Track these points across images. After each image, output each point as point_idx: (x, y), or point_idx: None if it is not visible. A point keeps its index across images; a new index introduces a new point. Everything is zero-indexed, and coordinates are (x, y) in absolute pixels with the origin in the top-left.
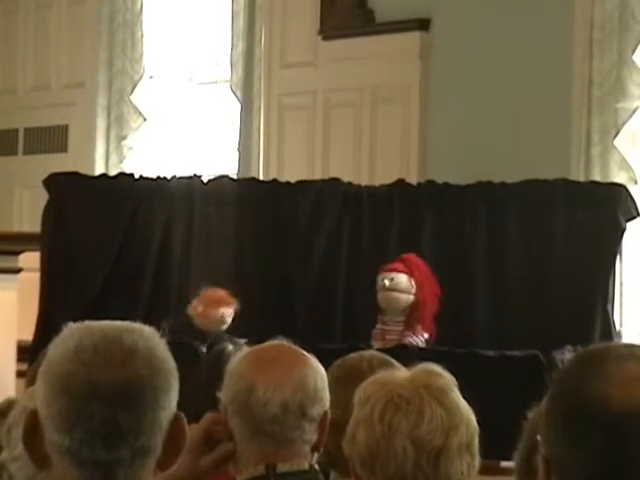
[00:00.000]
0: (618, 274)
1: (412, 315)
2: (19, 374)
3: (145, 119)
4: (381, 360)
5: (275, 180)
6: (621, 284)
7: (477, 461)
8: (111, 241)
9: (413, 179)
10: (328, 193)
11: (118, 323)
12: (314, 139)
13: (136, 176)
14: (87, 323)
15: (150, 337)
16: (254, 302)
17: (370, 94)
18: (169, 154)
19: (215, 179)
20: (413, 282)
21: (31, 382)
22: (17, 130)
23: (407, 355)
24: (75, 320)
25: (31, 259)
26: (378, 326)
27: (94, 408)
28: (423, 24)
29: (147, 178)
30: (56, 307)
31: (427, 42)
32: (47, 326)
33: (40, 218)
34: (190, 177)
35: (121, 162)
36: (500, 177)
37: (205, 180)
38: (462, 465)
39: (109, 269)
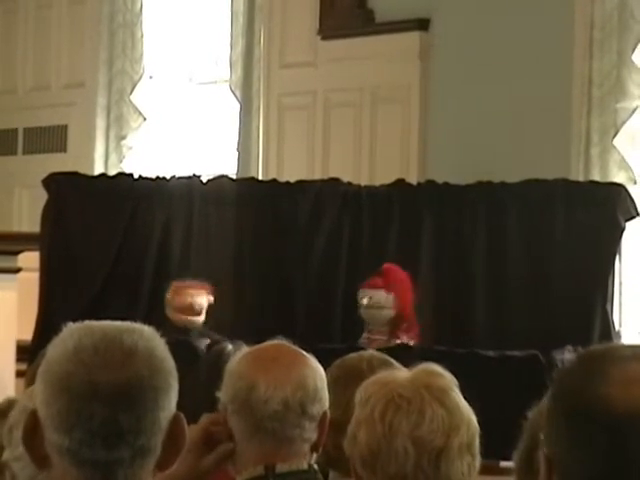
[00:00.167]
0: (617, 274)
1: (396, 326)
2: (18, 374)
3: (145, 119)
4: (381, 360)
5: (274, 180)
6: (620, 284)
7: (478, 461)
8: (110, 241)
9: (413, 179)
10: (328, 193)
11: (118, 323)
12: (314, 139)
13: (135, 176)
14: (87, 323)
15: (150, 337)
16: (253, 302)
17: (370, 94)
18: (168, 154)
19: (214, 179)
20: (392, 296)
21: (30, 382)
22: (17, 130)
23: (407, 355)
24: (75, 320)
25: (30, 259)
26: (364, 335)
27: (94, 408)
28: (423, 24)
29: (146, 178)
30: (55, 307)
31: (427, 42)
32: (46, 326)
33: (39, 218)
34: (189, 177)
35: (120, 162)
36: (500, 177)
37: (204, 180)
38: (463, 465)
39: (108, 269)
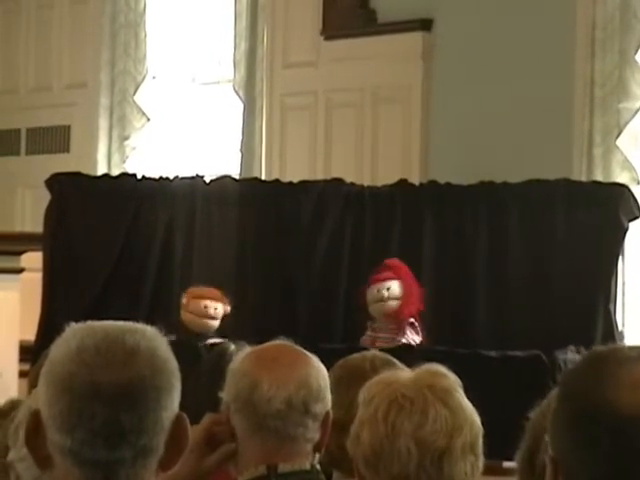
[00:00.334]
0: (620, 274)
1: (403, 320)
2: (21, 374)
3: (148, 119)
4: (383, 360)
5: (277, 180)
6: (623, 284)
7: (481, 462)
8: (113, 241)
9: (415, 179)
10: (330, 193)
11: (120, 323)
12: (316, 139)
13: (138, 176)
14: (89, 323)
15: (152, 337)
16: (256, 302)
17: (372, 94)
18: (172, 154)
19: (217, 179)
20: (403, 286)
21: (34, 382)
22: (19, 130)
23: (409, 355)
24: (77, 320)
25: (33, 259)
26: (368, 333)
27: (96, 408)
28: (425, 24)
29: (149, 178)
30: (58, 307)
31: (429, 42)
32: (49, 326)
33: (42, 218)
34: (192, 177)
35: (123, 162)
36: (502, 177)
37: (207, 180)
38: (466, 466)
39: (111, 269)
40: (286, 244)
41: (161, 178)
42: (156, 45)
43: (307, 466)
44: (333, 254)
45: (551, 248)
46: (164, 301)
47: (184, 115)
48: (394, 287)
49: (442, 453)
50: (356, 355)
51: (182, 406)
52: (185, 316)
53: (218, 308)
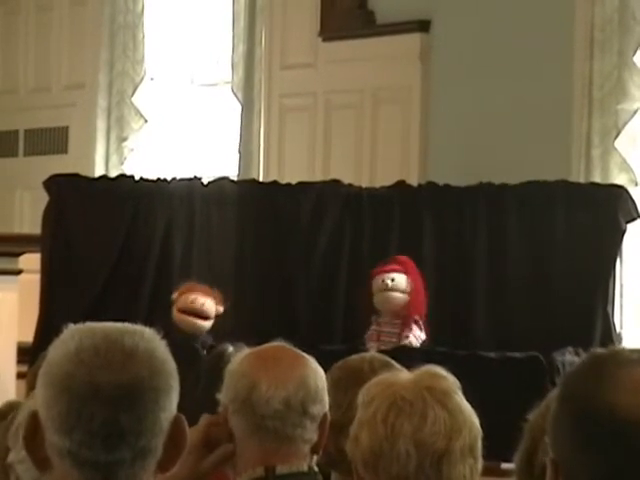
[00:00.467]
0: (618, 276)
1: (409, 316)
2: (19, 376)
3: (146, 121)
4: (382, 362)
5: (275, 181)
6: (621, 286)
7: (480, 464)
8: (112, 242)
9: (414, 180)
10: (329, 194)
11: (119, 324)
12: (315, 140)
13: (136, 178)
14: (88, 324)
15: (151, 339)
16: (255, 303)
17: (370, 95)
18: (170, 156)
19: (215, 181)
20: (410, 280)
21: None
22: (17, 131)
23: (408, 357)
24: (76, 322)
25: (31, 260)
26: (373, 327)
27: (94, 409)
28: (423, 26)
29: (147, 180)
30: (56, 309)
31: (427, 44)
32: (47, 328)
33: (40, 219)
34: (190, 179)
35: (122, 164)
36: (500, 178)
37: (205, 182)
38: (465, 468)
39: (110, 270)
40: (285, 245)
41: (159, 179)
42: (154, 46)
43: (305, 468)
44: (332, 255)
45: (550, 249)
46: (163, 302)
47: (182, 116)
48: (399, 279)
49: (441, 455)
50: (355, 356)
51: (180, 407)
52: (176, 316)
53: (206, 304)
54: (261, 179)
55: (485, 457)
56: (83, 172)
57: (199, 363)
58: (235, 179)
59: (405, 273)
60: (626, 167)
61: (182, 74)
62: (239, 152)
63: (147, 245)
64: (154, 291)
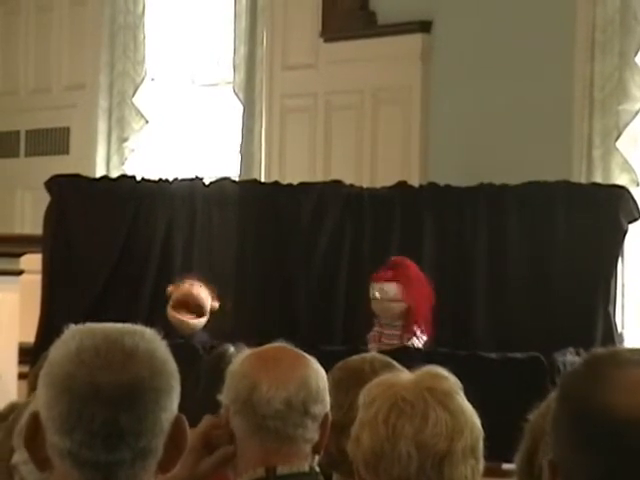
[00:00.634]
0: (619, 276)
1: (408, 320)
2: (21, 376)
3: (147, 121)
4: (383, 362)
5: (276, 182)
6: (622, 286)
7: (481, 465)
8: (113, 243)
9: (414, 181)
10: (329, 195)
11: (119, 325)
12: (316, 141)
13: (138, 178)
14: (88, 325)
15: (151, 339)
16: (255, 303)
17: (371, 96)
18: (171, 156)
19: (216, 181)
20: (401, 288)
21: (33, 384)
22: (19, 132)
23: (409, 357)
24: (76, 322)
25: (33, 261)
26: (375, 329)
27: (95, 409)
28: (424, 26)
29: (149, 180)
30: (57, 309)
31: (428, 44)
32: (49, 328)
33: (42, 220)
34: (192, 179)
35: (122, 164)
36: (501, 179)
37: (207, 182)
38: (466, 469)
39: (111, 271)
40: (285, 245)
41: (160, 180)
42: (156, 47)
43: (306, 468)
44: (333, 255)
45: (551, 250)
46: (163, 303)
47: (184, 117)
48: (388, 288)
49: (443, 456)
50: (355, 357)
51: (181, 408)
52: (170, 313)
53: (202, 292)
54: (262, 179)
55: (486, 458)
56: (84, 173)
57: (199, 363)
58: (236, 179)
59: (396, 281)
60: (627, 167)
61: (183, 75)
62: (240, 152)
63: (148, 245)
64: (155, 291)
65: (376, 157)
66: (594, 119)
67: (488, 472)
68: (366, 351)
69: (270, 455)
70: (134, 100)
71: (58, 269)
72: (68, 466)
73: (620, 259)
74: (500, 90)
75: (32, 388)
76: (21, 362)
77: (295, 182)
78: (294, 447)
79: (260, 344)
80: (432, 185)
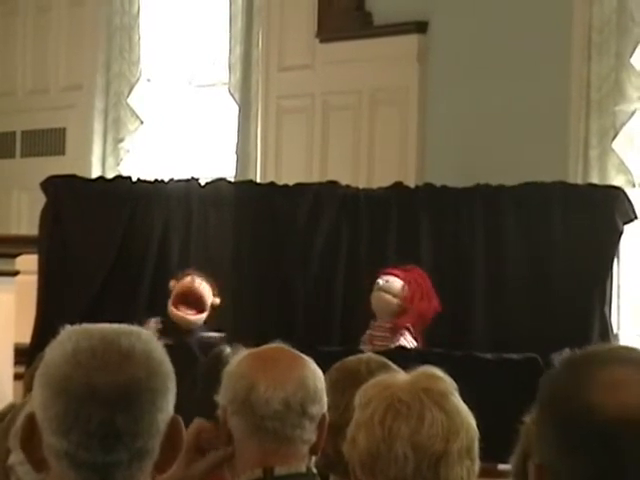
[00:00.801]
0: (616, 277)
1: (399, 321)
2: (17, 377)
3: (142, 122)
4: (379, 363)
5: (272, 183)
6: (618, 287)
7: (477, 465)
8: (109, 244)
9: (411, 182)
10: (326, 196)
11: (116, 326)
12: (312, 142)
13: (134, 179)
14: (85, 326)
15: (148, 340)
16: (252, 303)
17: (368, 97)
18: (166, 157)
19: (212, 182)
20: (406, 288)
21: (29, 385)
22: (15, 133)
23: (405, 358)
24: (73, 323)
25: (29, 262)
26: (368, 331)
27: (91, 410)
28: (421, 27)
29: (145, 181)
30: (53, 310)
31: (425, 45)
32: (45, 329)
33: (38, 220)
34: (187, 180)
35: (118, 165)
36: (498, 180)
37: (203, 183)
38: (462, 470)
39: (107, 272)
40: (282, 246)
41: (156, 180)
42: (151, 48)
43: (303, 469)
44: (329, 256)
45: (547, 250)
46: (160, 304)
47: (179, 118)
48: (393, 282)
49: (439, 457)
50: (352, 358)
51: (177, 409)
52: (170, 309)
53: (203, 284)
54: (258, 180)
55: (482, 458)
56: (80, 173)
57: (195, 364)
58: (232, 180)
59: (404, 280)
60: (624, 168)
61: (179, 75)
62: (236, 153)
63: (144, 246)
64: (151, 292)
65: (372, 158)
66: (590, 120)
67: (484, 473)
68: (364, 352)
69: (268, 456)
70: (129, 101)
71: (54, 270)
72: (65, 467)
73: (616, 260)
74: (496, 91)
75: (28, 389)
76: (17, 363)
77: (291, 183)
78: (292, 448)
79: (257, 345)
80: (429, 186)
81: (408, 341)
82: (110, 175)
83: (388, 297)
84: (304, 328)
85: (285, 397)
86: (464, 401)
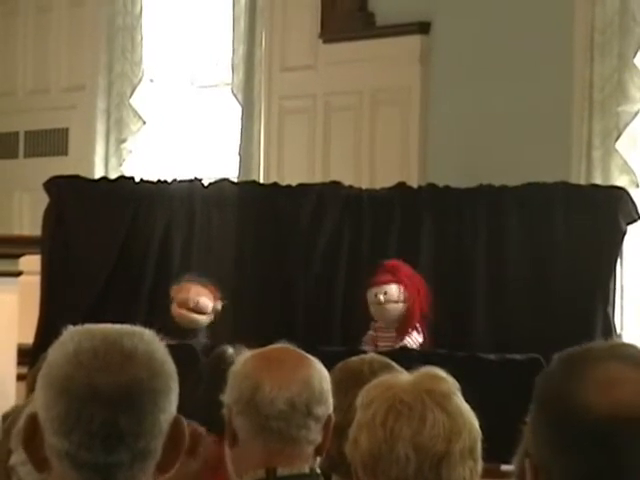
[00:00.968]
0: (619, 277)
1: (405, 322)
2: (19, 377)
3: (145, 122)
4: (382, 363)
5: (275, 183)
6: (622, 287)
7: (480, 466)
8: (112, 244)
9: (413, 182)
10: (329, 196)
11: (118, 326)
12: (315, 142)
13: (136, 179)
14: (87, 326)
15: (150, 340)
16: (255, 304)
17: (370, 97)
18: (169, 157)
19: (215, 182)
20: (402, 289)
21: (31, 386)
22: (17, 133)
23: (407, 358)
24: (75, 323)
25: (31, 262)
26: (370, 332)
27: (93, 410)
28: (423, 27)
29: (147, 181)
30: (56, 310)
31: (427, 45)
32: (47, 329)
33: (40, 221)
34: (190, 180)
35: (120, 165)
36: (501, 180)
37: (206, 183)
38: (465, 470)
39: (110, 272)
40: (284, 247)
41: (159, 181)
42: (153, 48)
43: (306, 469)
44: (331, 257)
45: (550, 251)
46: (162, 304)
47: (182, 118)
48: (391, 291)
49: (441, 458)
50: (355, 358)
51: (180, 409)
52: (174, 310)
53: (200, 302)
54: (261, 181)
55: (485, 459)
56: (83, 174)
57: (198, 365)
58: (235, 181)
59: (397, 282)
60: (627, 169)
61: (182, 76)
62: (239, 154)
63: (147, 246)
64: (154, 293)
65: (375, 158)
66: (593, 120)
67: (486, 473)
68: (366, 352)
69: (273, 456)
70: (132, 101)
71: (57, 270)
72: (66, 467)
73: (619, 260)
74: (499, 91)
75: (31, 389)
76: (20, 363)
77: (294, 183)
78: (297, 448)
79: (259, 345)
80: (431, 186)
81: (414, 339)
82: (113, 176)
83: (393, 306)
84: (306, 328)
85: (290, 397)
86: (467, 401)
